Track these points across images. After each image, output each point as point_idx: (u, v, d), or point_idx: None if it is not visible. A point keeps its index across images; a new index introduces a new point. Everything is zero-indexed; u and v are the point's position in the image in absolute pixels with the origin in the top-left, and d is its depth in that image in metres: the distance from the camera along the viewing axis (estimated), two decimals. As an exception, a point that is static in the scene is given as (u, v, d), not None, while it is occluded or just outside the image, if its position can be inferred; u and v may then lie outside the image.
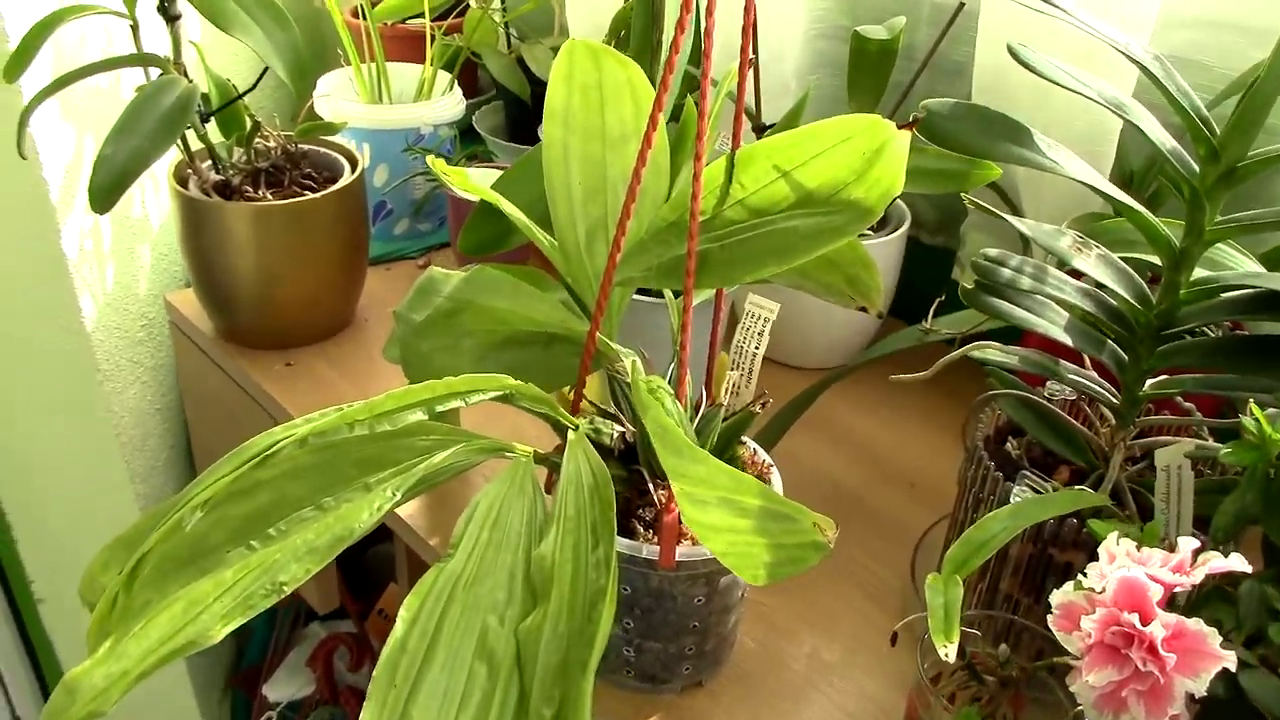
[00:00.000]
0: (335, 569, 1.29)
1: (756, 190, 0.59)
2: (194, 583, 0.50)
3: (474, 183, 0.71)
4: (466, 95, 1.29)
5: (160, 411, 1.24)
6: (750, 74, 0.98)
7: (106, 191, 0.82)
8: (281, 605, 0.95)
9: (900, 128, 0.53)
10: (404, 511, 0.87)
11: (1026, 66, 0.60)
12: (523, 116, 1.32)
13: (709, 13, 0.56)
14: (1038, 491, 0.67)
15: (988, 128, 0.60)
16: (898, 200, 0.97)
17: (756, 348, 0.72)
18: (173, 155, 0.99)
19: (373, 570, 1.46)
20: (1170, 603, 0.51)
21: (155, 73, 0.92)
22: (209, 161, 1.01)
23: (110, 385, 1.15)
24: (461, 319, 0.67)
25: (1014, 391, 0.72)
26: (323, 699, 1.41)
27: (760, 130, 1.01)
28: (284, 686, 1.40)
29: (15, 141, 0.85)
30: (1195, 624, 0.48)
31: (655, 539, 0.65)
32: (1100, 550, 0.52)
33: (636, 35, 0.90)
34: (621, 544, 0.64)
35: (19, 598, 1.29)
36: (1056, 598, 0.52)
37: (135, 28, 0.91)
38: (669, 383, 0.65)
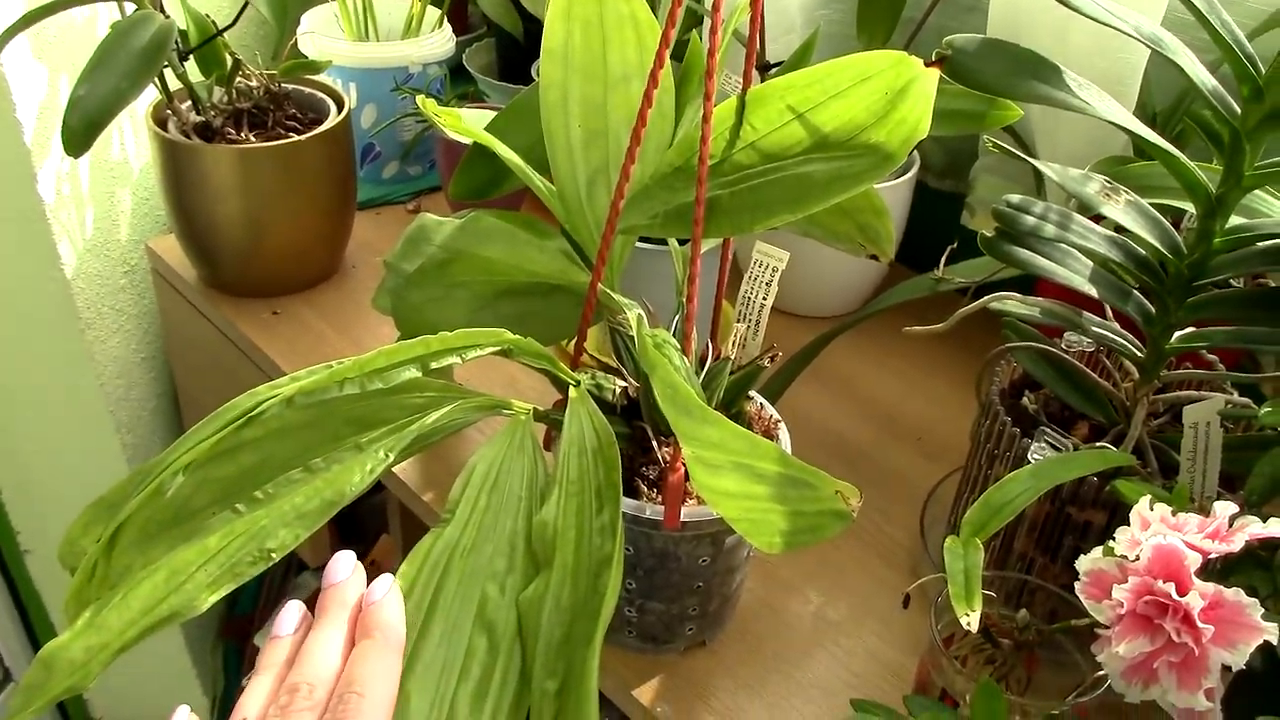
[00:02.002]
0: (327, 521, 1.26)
1: (769, 133, 0.56)
2: (177, 549, 0.47)
3: (467, 125, 0.68)
4: (456, 32, 1.24)
5: (145, 361, 1.21)
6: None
7: (81, 133, 0.78)
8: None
9: (927, 65, 0.50)
10: (397, 466, 0.84)
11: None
12: (515, 55, 1.27)
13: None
14: (1057, 449, 0.64)
15: (1015, 65, 0.57)
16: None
17: (764, 298, 0.69)
18: (152, 95, 0.95)
19: (365, 521, 1.44)
20: (1203, 568, 0.49)
21: (131, 8, 0.87)
22: (189, 102, 0.97)
23: (92, 334, 1.12)
24: (455, 269, 0.64)
25: (1032, 344, 0.69)
26: (315, 650, 1.39)
27: (764, 69, 0.97)
28: (276, 638, 1.38)
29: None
30: (1235, 594, 0.45)
31: (659, 499, 0.62)
32: (1133, 515, 0.49)
33: (637, -32, 0.86)
34: (625, 504, 0.61)
35: (5, 550, 1.26)
36: (1085, 564, 0.50)
37: (109, -40, 0.86)
38: (674, 336, 0.62)
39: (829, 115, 0.54)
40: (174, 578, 0.46)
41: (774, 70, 0.95)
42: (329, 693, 0.41)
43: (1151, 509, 0.49)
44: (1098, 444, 0.64)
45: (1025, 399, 0.72)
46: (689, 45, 0.72)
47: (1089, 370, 0.68)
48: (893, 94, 0.51)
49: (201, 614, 0.46)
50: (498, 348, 0.53)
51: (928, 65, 0.50)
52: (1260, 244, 0.57)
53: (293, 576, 1.47)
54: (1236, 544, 0.46)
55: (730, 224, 0.57)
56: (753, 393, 0.69)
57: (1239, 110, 0.54)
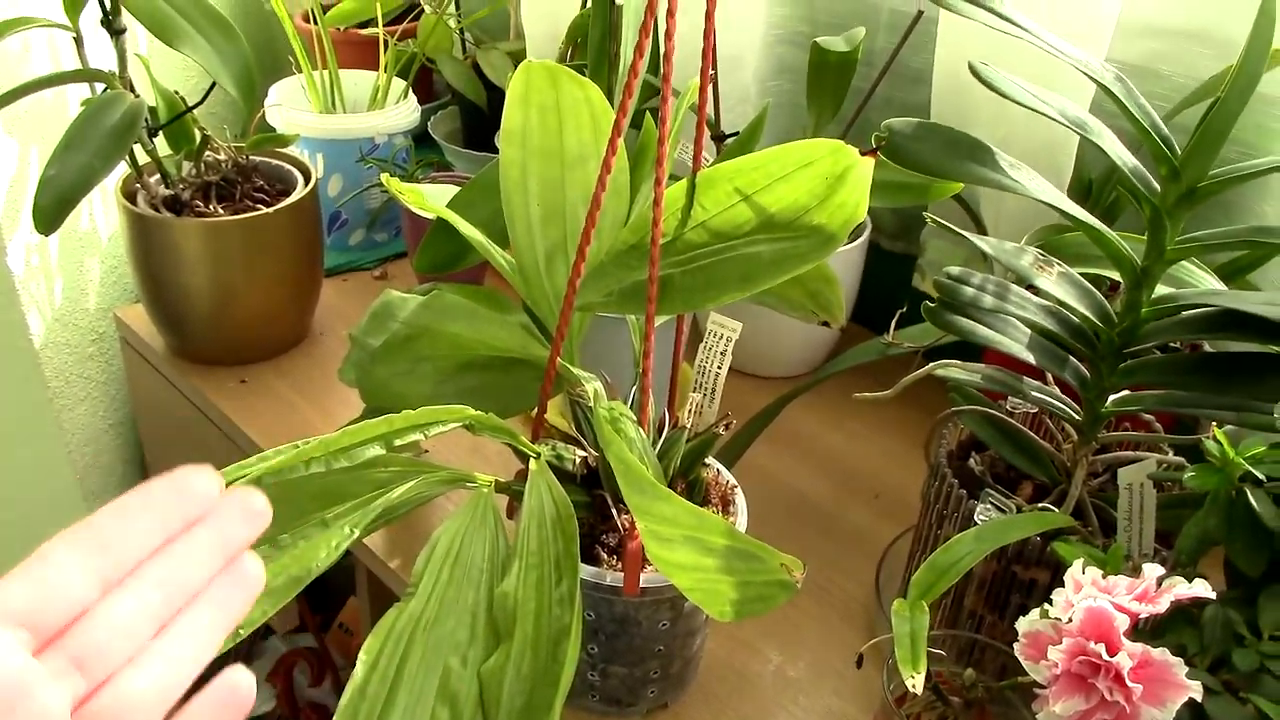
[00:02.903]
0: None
1: (718, 213, 0.59)
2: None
3: (431, 202, 0.70)
4: (421, 101, 1.27)
5: (113, 428, 1.22)
6: (710, 82, 0.97)
7: (52, 212, 0.80)
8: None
9: (864, 153, 0.53)
10: (364, 533, 0.86)
11: (988, 86, 0.59)
12: (479, 123, 1.30)
13: (669, 35, 0.55)
14: (1001, 510, 0.67)
15: (951, 148, 0.60)
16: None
17: (719, 368, 0.71)
18: (121, 169, 0.97)
19: (332, 583, 1.44)
20: (1135, 626, 0.51)
21: (101, 87, 0.90)
22: (157, 175, 0.99)
23: (60, 402, 1.13)
24: (419, 344, 0.66)
25: (977, 408, 0.71)
26: (284, 715, 1.39)
27: (719, 139, 1.00)
28: (244, 703, 1.38)
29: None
30: (1161, 654, 0.47)
31: (619, 565, 0.64)
32: (1066, 578, 0.52)
33: (593, 47, 0.89)
34: (585, 571, 0.63)
35: (-31, 620, 1.26)
36: (1023, 626, 0.52)
37: (79, 41, 0.89)
38: (631, 406, 0.64)
39: (774, 198, 0.57)
40: (143, 656, 0.47)
41: (729, 140, 0.99)
42: None
43: (1084, 572, 0.51)
44: (1040, 504, 0.66)
45: (972, 460, 0.74)
46: (644, 122, 0.75)
47: (1032, 432, 0.71)
48: (832, 179, 0.54)
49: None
50: (460, 423, 0.55)
51: (864, 153, 0.53)
52: (1184, 313, 0.60)
53: (260, 641, 1.47)
54: (1162, 605, 0.49)
55: (683, 302, 0.59)
56: (710, 459, 0.71)
57: (1159, 189, 0.57)
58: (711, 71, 0.95)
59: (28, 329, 1.07)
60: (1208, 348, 0.77)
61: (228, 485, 0.50)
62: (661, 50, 0.54)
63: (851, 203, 0.54)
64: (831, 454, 0.98)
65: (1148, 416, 0.73)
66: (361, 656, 0.49)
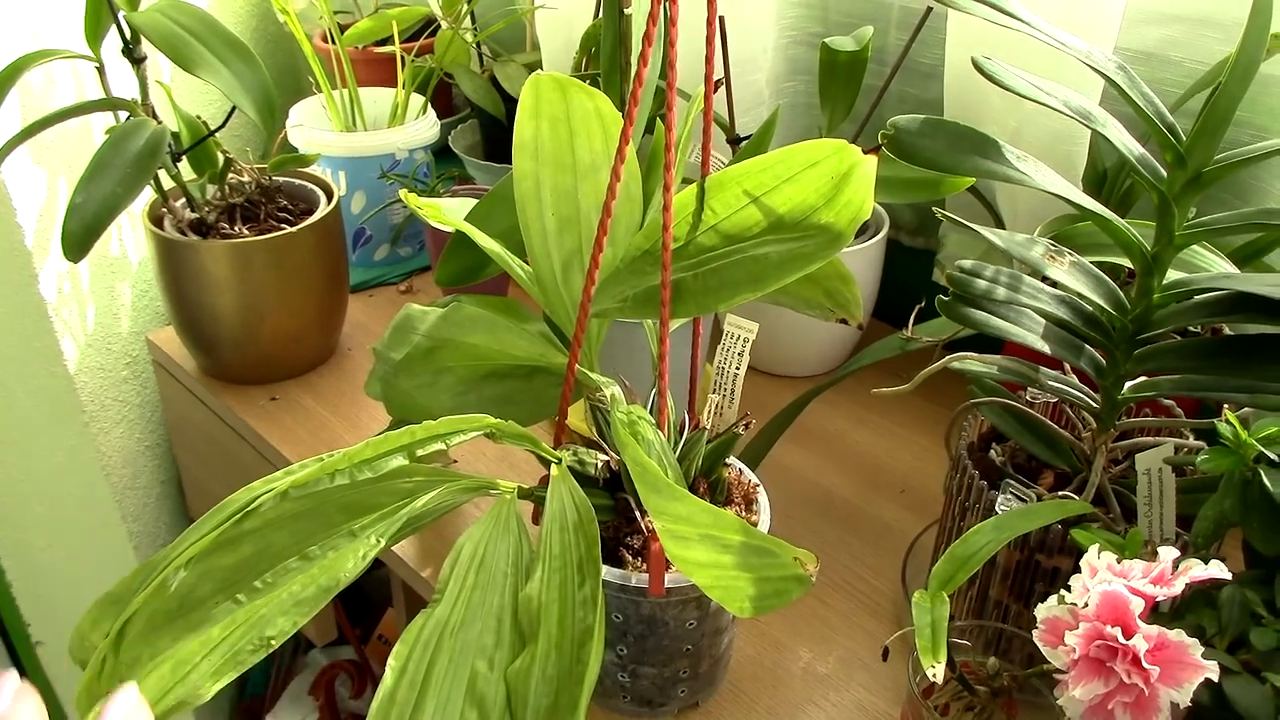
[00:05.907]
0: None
1: (728, 216, 0.59)
2: (181, 640, 0.50)
3: (449, 215, 0.71)
4: (440, 115, 1.28)
5: (149, 449, 1.24)
6: (722, 85, 0.98)
7: (80, 239, 0.82)
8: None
9: (868, 151, 0.53)
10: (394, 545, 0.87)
11: (992, 80, 0.60)
12: (498, 135, 1.32)
13: (671, 43, 0.56)
14: (1022, 499, 0.67)
15: (957, 143, 0.60)
16: (876, 205, 0.97)
17: (737, 368, 0.72)
18: (148, 194, 0.99)
19: (371, 595, 1.46)
20: (1154, 609, 0.51)
21: (124, 115, 0.92)
22: (183, 200, 1.01)
23: (97, 425, 1.15)
24: (440, 356, 0.67)
25: (996, 399, 0.72)
26: (326, 726, 1.41)
27: (734, 142, 1.01)
28: (287, 717, 1.40)
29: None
30: (1177, 635, 0.48)
31: (644, 567, 0.65)
32: (1082, 564, 0.52)
33: (605, 57, 0.90)
34: (611, 573, 0.64)
35: (16, 642, 1.28)
36: (1041, 612, 0.53)
37: (101, 70, 0.91)
38: (651, 410, 0.65)
39: (782, 198, 0.57)
40: (179, 668, 0.49)
41: (743, 143, 0.99)
42: None
43: (1099, 557, 0.52)
44: (1060, 493, 0.67)
45: (993, 451, 0.75)
46: (655, 130, 0.76)
47: (1051, 421, 0.71)
48: (838, 178, 0.55)
49: (209, 700, 0.48)
50: (482, 432, 0.56)
51: (867, 152, 0.53)
52: (1197, 297, 0.60)
53: (301, 655, 1.49)
54: (1177, 587, 0.49)
55: (696, 305, 0.60)
56: (731, 459, 0.72)
57: (1165, 175, 0.58)
58: (722, 76, 0.95)
59: (62, 355, 1.09)
60: (1228, 331, 0.78)
61: (255, 500, 0.51)
62: (666, 57, 0.55)
63: (857, 201, 0.54)
64: (856, 451, 0.99)
65: (1167, 402, 0.74)
66: (390, 663, 0.50)
